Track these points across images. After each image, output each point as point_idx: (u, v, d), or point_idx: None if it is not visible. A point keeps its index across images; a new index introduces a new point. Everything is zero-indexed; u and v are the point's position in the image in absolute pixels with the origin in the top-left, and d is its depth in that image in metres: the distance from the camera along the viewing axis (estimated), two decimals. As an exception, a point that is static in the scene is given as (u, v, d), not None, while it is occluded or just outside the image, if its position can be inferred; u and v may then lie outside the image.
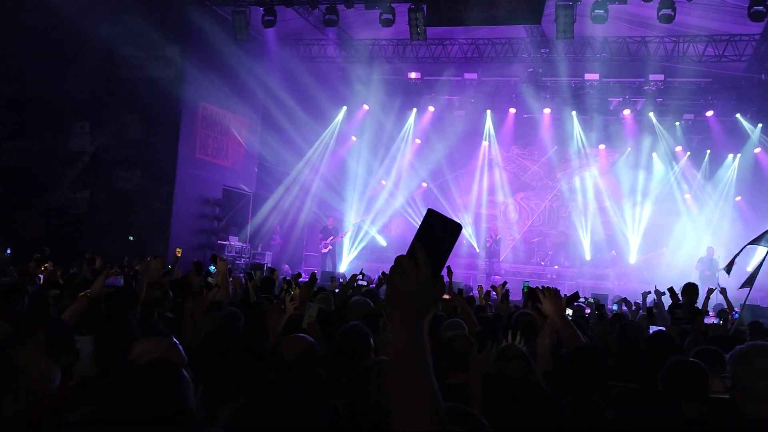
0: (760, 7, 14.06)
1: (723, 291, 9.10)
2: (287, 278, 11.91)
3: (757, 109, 20.17)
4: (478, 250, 22.49)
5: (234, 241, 19.21)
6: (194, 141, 18.08)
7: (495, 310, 8.65)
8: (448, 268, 9.37)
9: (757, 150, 20.81)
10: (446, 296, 7.94)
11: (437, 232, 1.61)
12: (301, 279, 14.02)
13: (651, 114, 21.32)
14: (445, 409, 1.53)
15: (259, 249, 20.10)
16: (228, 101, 18.72)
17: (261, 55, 19.34)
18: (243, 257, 18.93)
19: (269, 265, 17.55)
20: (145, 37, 16.74)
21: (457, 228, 1.62)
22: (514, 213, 24.27)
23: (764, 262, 9.34)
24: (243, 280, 9.62)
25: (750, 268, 10.71)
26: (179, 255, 11.03)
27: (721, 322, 6.61)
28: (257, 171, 20.65)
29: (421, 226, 1.62)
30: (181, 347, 3.36)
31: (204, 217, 18.52)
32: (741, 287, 9.70)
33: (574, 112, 22.04)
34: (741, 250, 10.01)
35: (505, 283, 10.01)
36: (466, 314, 7.04)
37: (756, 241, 9.74)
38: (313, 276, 7.75)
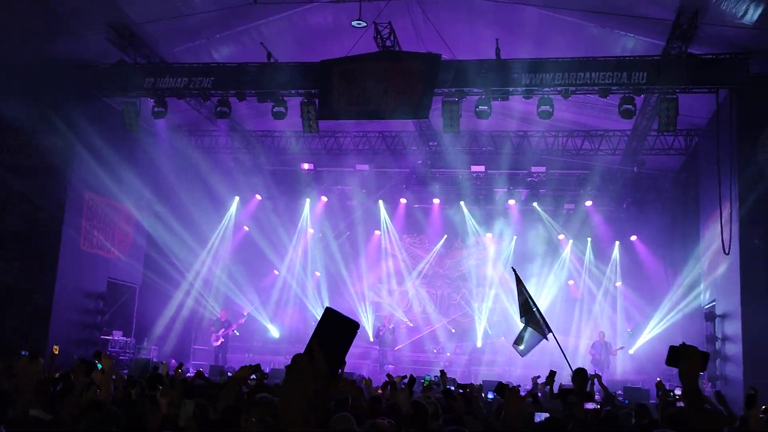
0: (630, 106, 15.09)
1: (598, 377, 9.45)
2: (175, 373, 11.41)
3: (631, 199, 21.40)
4: (371, 339, 22.40)
5: (118, 336, 18.41)
6: (78, 232, 17.44)
7: (391, 400, 8.55)
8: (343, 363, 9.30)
9: (633, 238, 21.95)
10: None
11: (334, 330, 1.64)
12: (189, 374, 13.57)
13: (535, 204, 22.24)
14: None
15: (145, 344, 19.29)
16: (116, 192, 18.26)
17: (152, 145, 19.12)
18: (127, 352, 18.15)
19: (155, 360, 16.88)
20: (31, 124, 16.28)
21: (353, 326, 1.66)
22: (406, 301, 24.45)
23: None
24: (125, 377, 9.21)
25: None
26: (56, 352, 10.51)
27: (599, 407, 6.79)
28: (145, 263, 20.05)
29: (318, 324, 1.65)
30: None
31: (87, 311, 17.70)
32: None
33: (462, 203, 22.71)
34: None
35: (405, 376, 9.97)
36: (358, 403, 6.94)
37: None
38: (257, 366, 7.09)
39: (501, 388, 5.56)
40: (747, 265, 14.32)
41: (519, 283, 11.76)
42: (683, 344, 2.93)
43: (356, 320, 1.68)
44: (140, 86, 16.50)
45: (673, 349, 2.93)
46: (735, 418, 7.59)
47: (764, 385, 10.55)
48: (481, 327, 23.09)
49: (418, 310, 24.34)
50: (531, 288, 22.60)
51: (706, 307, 17.02)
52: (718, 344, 16.04)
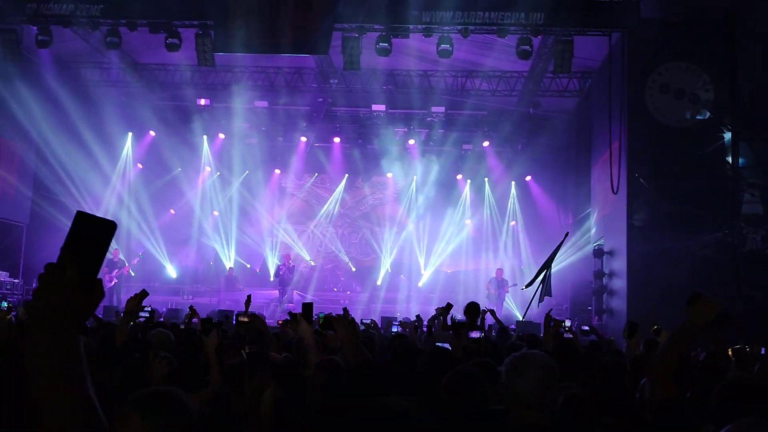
0: (527, 47, 15.30)
1: (492, 312, 9.82)
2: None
3: (527, 140, 21.87)
4: (271, 279, 22.35)
5: (4, 277, 17.64)
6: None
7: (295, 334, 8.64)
8: (248, 297, 9.37)
9: (528, 178, 22.53)
10: (245, 318, 7.91)
11: (90, 235, 1.56)
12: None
13: (433, 143, 22.44)
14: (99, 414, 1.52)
15: (34, 284, 18.55)
16: (-3, 126, 17.31)
17: (35, 77, 18.02)
18: (15, 294, 17.43)
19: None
20: None
21: (110, 226, 1.57)
22: (307, 241, 24.42)
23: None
24: (12, 319, 8.87)
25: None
26: None
27: (482, 335, 7.09)
28: (33, 202, 19.16)
29: (70, 230, 1.55)
30: None
31: (-31, 253, 16.90)
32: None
33: (363, 141, 22.66)
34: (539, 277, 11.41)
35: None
36: (266, 335, 6.98)
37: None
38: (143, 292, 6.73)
39: (328, 320, 5.68)
40: (633, 203, 14.99)
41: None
42: (702, 293, 3.06)
43: (112, 220, 1.59)
44: (21, 12, 15.49)
45: (694, 295, 3.06)
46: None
47: (644, 317, 11.11)
48: (383, 266, 23.40)
49: (320, 249, 24.40)
50: (438, 228, 23.14)
51: (595, 244, 17.75)
52: (605, 279, 16.80)
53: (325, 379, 3.95)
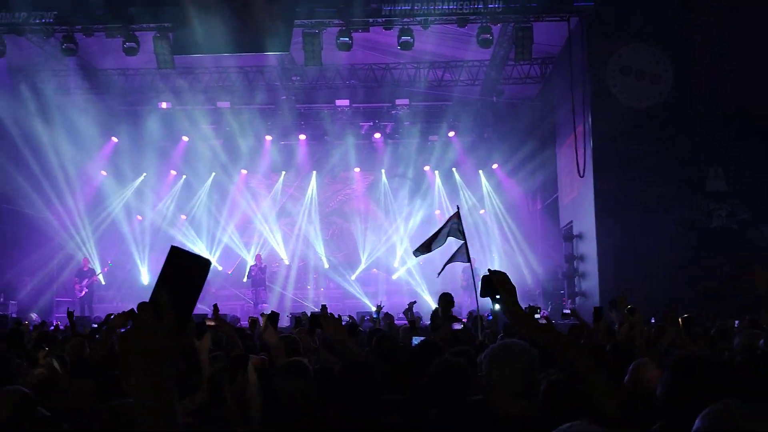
0: (487, 36, 15.35)
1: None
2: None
3: (492, 128, 21.97)
4: (244, 280, 22.18)
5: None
6: None
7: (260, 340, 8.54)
8: (215, 306, 9.32)
9: (495, 166, 22.61)
10: (212, 323, 7.74)
11: (184, 272, 1.48)
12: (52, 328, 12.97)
13: (399, 136, 22.42)
14: None
15: (1, 299, 18.19)
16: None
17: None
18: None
19: (14, 315, 16.04)
20: None
21: (205, 264, 1.50)
22: (277, 239, 24.25)
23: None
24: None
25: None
26: None
27: (461, 327, 7.09)
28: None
29: (164, 266, 1.47)
30: None
31: (-68, 269, 16.53)
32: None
33: (329, 138, 22.55)
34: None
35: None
36: (234, 341, 6.90)
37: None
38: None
39: (314, 318, 5.73)
40: (600, 186, 15.11)
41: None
42: (491, 271, 2.97)
43: (207, 258, 1.51)
44: (-29, 23, 15.17)
45: (485, 279, 2.93)
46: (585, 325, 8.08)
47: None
48: (360, 261, 23.35)
49: (293, 247, 24.23)
50: (412, 220, 23.09)
51: (564, 228, 17.90)
52: (576, 263, 16.95)
53: (302, 383, 3.86)
